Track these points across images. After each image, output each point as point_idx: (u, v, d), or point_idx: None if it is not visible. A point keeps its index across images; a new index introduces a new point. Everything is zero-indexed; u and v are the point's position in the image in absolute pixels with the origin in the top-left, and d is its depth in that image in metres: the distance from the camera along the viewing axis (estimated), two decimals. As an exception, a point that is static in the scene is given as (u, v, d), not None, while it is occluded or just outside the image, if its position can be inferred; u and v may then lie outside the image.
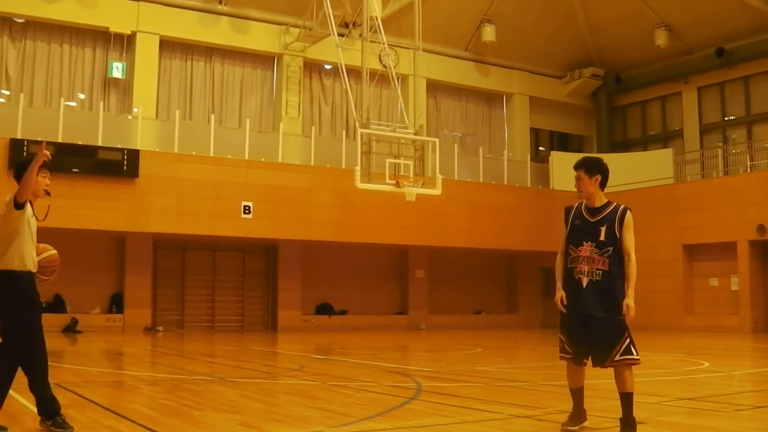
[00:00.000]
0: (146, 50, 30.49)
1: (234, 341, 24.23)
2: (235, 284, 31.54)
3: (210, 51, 32.27)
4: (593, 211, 7.71)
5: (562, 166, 36.11)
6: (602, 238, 7.41)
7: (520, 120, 38.77)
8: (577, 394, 7.55)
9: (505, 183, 34.35)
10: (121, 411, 8.44)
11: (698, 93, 37.82)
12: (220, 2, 31.62)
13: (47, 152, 6.90)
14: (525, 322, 36.48)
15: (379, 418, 8.08)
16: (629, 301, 7.24)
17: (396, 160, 24.81)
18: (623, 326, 7.24)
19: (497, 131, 38.90)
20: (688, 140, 37.70)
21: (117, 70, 30.08)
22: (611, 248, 7.35)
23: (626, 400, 7.26)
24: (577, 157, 31.26)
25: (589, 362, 7.48)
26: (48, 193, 7.39)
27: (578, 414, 7.51)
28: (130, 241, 29.07)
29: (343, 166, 29.53)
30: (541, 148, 40.80)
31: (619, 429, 7.19)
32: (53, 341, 22.25)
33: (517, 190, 34.29)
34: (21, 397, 9.25)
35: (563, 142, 41.56)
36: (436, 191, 25.08)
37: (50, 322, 27.13)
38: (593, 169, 7.91)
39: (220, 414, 8.35)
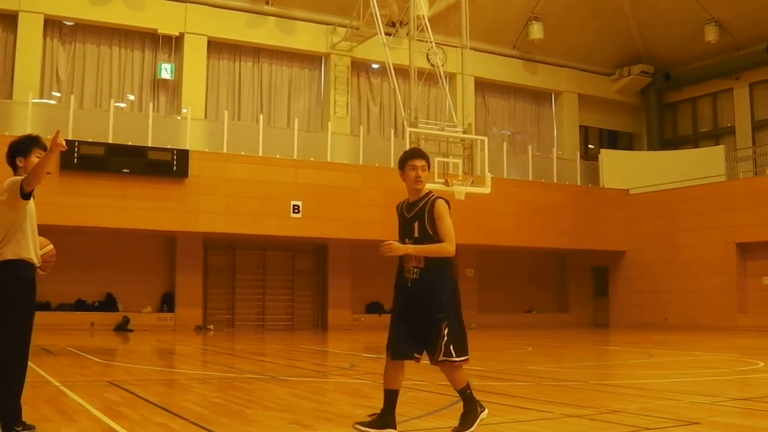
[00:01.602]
0: (194, 51, 30.74)
1: (284, 340, 24.30)
2: (284, 283, 31.67)
3: (257, 51, 32.44)
4: (410, 206, 7.34)
5: (612, 164, 35.89)
6: (416, 234, 7.18)
7: (568, 118, 38.56)
8: (394, 396, 7.09)
9: (555, 181, 34.16)
10: (173, 409, 8.49)
11: (750, 89, 37.41)
12: (267, 3, 31.77)
13: (63, 142, 6.57)
14: (576, 321, 36.26)
15: (431, 417, 8.07)
16: (402, 245, 7.16)
17: (445, 159, 24.82)
18: (442, 325, 6.91)
19: (546, 129, 38.72)
20: (740, 137, 37.28)
21: (166, 71, 30.34)
22: (426, 244, 7.08)
23: (462, 395, 7.13)
24: (628, 155, 31.25)
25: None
26: (47, 173, 6.82)
27: (387, 418, 7.03)
28: (180, 240, 29.30)
29: (392, 165, 29.48)
30: (590, 146, 40.56)
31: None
32: (105, 339, 22.49)
33: (566, 189, 34.08)
34: (74, 395, 9.33)
35: (613, 139, 41.28)
36: (486, 190, 25.02)
37: (102, 320, 27.65)
38: (428, 161, 7.33)
39: (271, 412, 8.37)
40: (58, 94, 29.18)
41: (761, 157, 35.44)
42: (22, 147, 6.70)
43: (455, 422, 7.65)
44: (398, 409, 8.58)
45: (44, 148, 6.74)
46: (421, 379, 11.85)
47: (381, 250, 7.07)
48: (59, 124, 26.00)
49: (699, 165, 34.11)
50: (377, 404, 8.98)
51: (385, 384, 7.04)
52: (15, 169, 6.68)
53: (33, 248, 6.71)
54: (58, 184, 24.50)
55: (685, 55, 37.88)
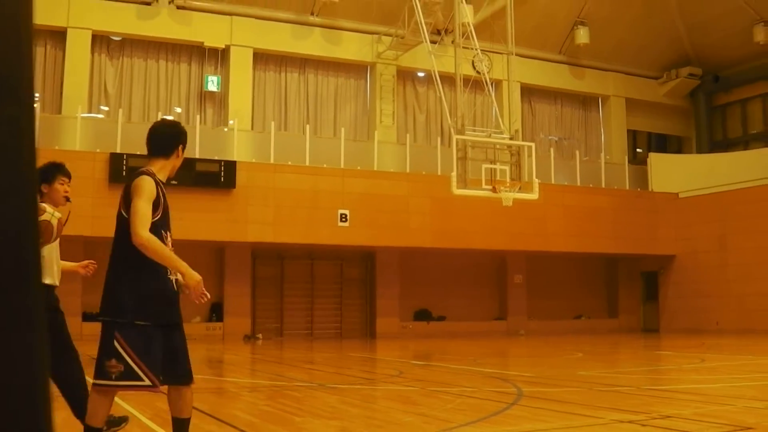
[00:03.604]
0: (240, 63, 30.93)
1: (333, 348, 24.36)
2: (333, 292, 31.72)
3: (303, 62, 32.55)
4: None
5: (661, 167, 35.60)
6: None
7: (616, 122, 38.28)
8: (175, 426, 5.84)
9: (603, 186, 33.94)
10: (223, 417, 8.51)
11: (801, 90, 36.93)
12: (312, 14, 31.87)
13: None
14: (626, 326, 35.98)
15: (480, 423, 8.01)
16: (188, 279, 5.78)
17: (492, 166, 24.72)
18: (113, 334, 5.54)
19: (593, 134, 38.47)
20: (791, 138, 36.81)
21: (212, 84, 30.56)
22: None
23: (184, 425, 5.83)
24: (677, 158, 30.88)
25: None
26: (68, 200, 6.89)
27: None
28: (228, 251, 29.46)
29: (439, 173, 29.50)
30: (638, 150, 40.24)
31: None
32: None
33: (615, 193, 33.86)
34: (126, 404, 9.37)
35: (661, 143, 40.91)
36: (534, 196, 24.89)
37: (153, 332, 27.84)
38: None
39: (321, 420, 8.37)
40: (107, 108, 29.49)
41: (813, 158, 34.95)
42: (47, 174, 6.84)
43: (506, 428, 7.60)
44: (447, 416, 8.56)
45: (67, 176, 6.93)
46: (470, 386, 11.81)
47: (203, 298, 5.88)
48: (108, 138, 26.39)
49: (750, 167, 33.66)
50: (426, 411, 8.99)
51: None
52: (41, 194, 6.80)
53: (48, 270, 6.87)
54: (108, 196, 24.75)
55: (734, 56, 37.44)
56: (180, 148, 5.96)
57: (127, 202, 5.57)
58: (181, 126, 6.16)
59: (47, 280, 6.85)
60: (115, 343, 5.44)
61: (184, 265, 5.70)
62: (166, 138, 6.00)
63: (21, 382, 1.12)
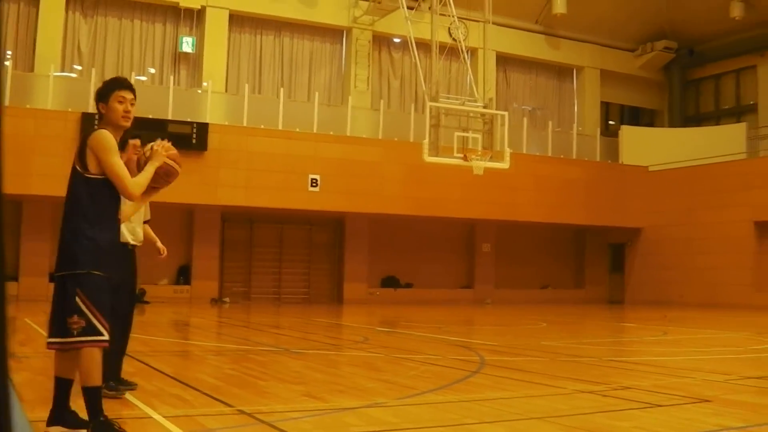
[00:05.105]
0: (216, 24, 30.72)
1: (299, 313, 24.40)
2: (301, 257, 31.76)
3: (279, 25, 32.37)
4: None
5: (632, 140, 35.75)
6: None
7: (590, 94, 38.37)
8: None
9: (574, 157, 34.09)
10: (187, 380, 8.55)
11: (774, 66, 37.07)
12: (289, -24, 31.66)
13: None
14: (591, 297, 36.26)
15: (443, 390, 8.09)
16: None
17: (464, 134, 24.75)
18: None
19: (567, 105, 38.55)
20: (763, 115, 36.94)
21: (187, 45, 30.37)
22: None
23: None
24: (649, 131, 30.93)
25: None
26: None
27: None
28: (198, 213, 29.38)
29: (412, 140, 29.52)
30: (611, 123, 40.35)
31: None
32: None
33: (586, 165, 34.01)
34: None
35: (634, 116, 41.04)
36: (505, 165, 24.96)
37: (121, 292, 27.76)
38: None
39: (285, 384, 8.42)
40: (80, 68, 29.24)
41: (784, 135, 35.22)
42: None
43: (468, 396, 7.69)
44: (410, 383, 8.64)
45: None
46: (434, 353, 11.91)
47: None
48: (80, 98, 26.16)
49: (720, 142, 33.91)
50: (390, 377, 9.06)
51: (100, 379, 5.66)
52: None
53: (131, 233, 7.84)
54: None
55: (709, 31, 37.54)
56: (100, 103, 5.85)
57: (83, 157, 5.62)
58: (108, 80, 6.07)
59: (131, 240, 7.47)
60: (76, 299, 5.44)
61: (150, 170, 6.16)
62: (96, 97, 5.92)
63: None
